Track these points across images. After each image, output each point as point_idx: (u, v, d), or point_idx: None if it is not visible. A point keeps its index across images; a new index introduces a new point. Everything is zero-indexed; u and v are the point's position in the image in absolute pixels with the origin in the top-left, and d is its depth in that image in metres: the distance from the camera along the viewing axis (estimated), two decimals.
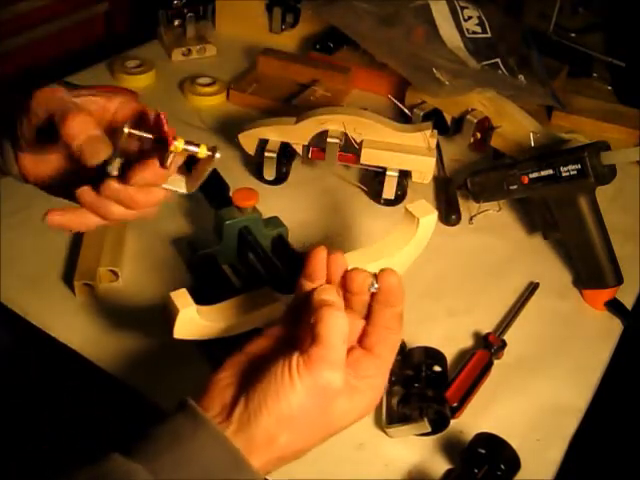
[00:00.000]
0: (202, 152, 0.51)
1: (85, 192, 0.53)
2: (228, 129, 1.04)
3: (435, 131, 0.93)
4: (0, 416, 0.73)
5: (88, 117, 0.52)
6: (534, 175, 0.85)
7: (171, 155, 0.51)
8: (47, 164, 0.58)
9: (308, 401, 0.47)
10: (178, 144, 0.50)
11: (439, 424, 0.66)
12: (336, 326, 0.48)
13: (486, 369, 0.73)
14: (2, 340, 0.76)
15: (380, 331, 0.53)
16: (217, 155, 0.52)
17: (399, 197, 0.95)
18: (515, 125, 1.01)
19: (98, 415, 0.72)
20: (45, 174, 0.58)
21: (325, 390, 0.48)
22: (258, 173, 0.97)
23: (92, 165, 0.51)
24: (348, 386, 0.49)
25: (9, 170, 0.58)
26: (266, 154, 0.94)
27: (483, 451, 0.63)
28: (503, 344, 0.76)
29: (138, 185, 0.53)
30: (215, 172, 0.88)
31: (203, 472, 0.45)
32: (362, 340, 0.53)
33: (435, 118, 1.07)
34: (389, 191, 0.94)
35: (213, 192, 0.84)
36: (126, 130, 0.51)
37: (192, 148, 0.51)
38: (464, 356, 0.75)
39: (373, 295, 0.52)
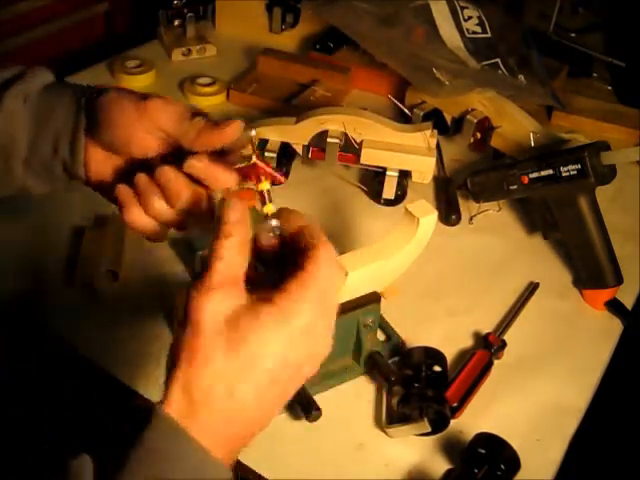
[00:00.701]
0: (267, 209, 0.52)
1: (141, 178, 0.55)
2: None
3: (435, 131, 0.93)
4: (0, 416, 0.73)
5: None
6: (534, 175, 0.85)
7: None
8: (116, 161, 0.58)
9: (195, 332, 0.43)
10: (263, 186, 0.52)
11: (439, 424, 0.66)
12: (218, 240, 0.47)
13: (486, 369, 0.73)
14: (2, 340, 0.76)
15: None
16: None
17: (399, 197, 0.95)
18: (515, 125, 1.01)
19: (98, 415, 0.72)
20: (108, 173, 0.59)
21: (213, 319, 0.43)
22: None
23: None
24: (256, 311, 0.44)
25: (76, 170, 0.58)
26: (266, 154, 0.94)
27: (483, 451, 0.63)
28: (503, 344, 0.76)
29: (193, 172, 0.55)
30: None
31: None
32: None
33: (435, 118, 1.07)
34: (389, 191, 0.94)
35: None
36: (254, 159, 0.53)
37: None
38: (464, 356, 0.75)
39: None
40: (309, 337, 0.46)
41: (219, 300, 0.44)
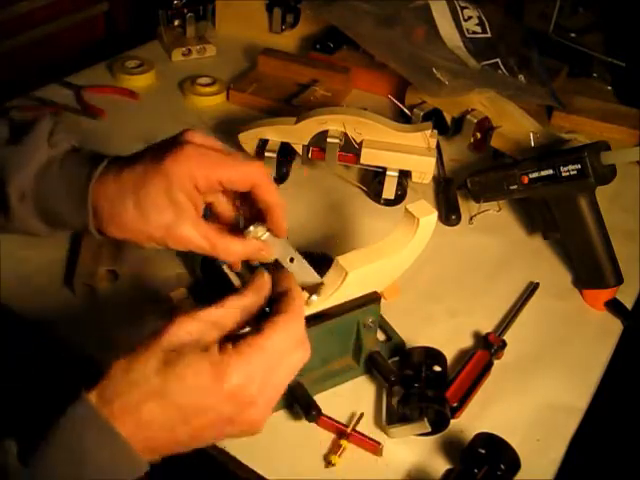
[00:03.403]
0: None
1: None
2: (228, 129, 1.04)
3: (435, 131, 0.93)
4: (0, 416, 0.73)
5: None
6: (534, 175, 0.85)
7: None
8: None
9: (158, 359, 0.46)
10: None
11: (439, 424, 0.66)
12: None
13: (486, 369, 0.73)
14: (2, 340, 0.76)
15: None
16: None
17: (399, 197, 0.95)
18: (515, 125, 1.01)
19: None
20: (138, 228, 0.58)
21: (179, 351, 0.46)
22: None
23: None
24: (211, 364, 0.46)
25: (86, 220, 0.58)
26: (266, 154, 0.94)
27: (483, 451, 0.63)
28: (503, 344, 0.76)
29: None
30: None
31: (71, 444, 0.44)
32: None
33: (435, 118, 1.07)
34: (389, 191, 0.94)
35: None
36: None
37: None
38: (464, 356, 0.75)
39: None
40: (235, 401, 0.47)
41: (190, 329, 0.47)
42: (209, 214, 0.61)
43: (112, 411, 0.45)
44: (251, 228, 0.56)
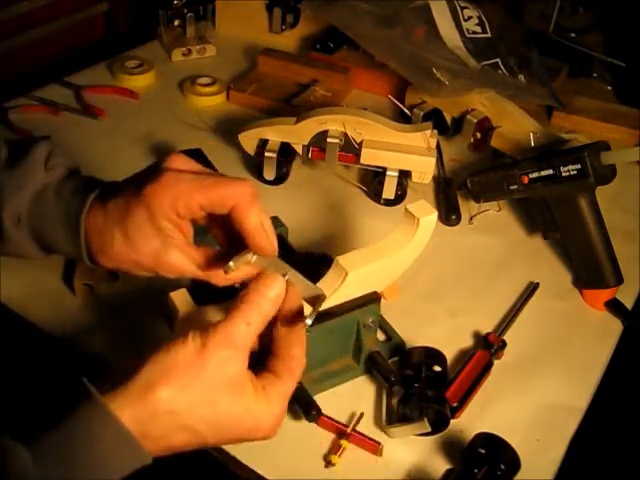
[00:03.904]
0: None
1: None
2: (228, 129, 1.04)
3: (435, 131, 0.93)
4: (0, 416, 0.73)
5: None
6: (534, 175, 0.85)
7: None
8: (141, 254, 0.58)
9: (195, 361, 0.47)
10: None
11: (439, 424, 0.66)
12: (253, 305, 0.50)
13: (486, 369, 0.73)
14: (2, 340, 0.76)
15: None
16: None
17: (399, 197, 0.95)
18: (515, 125, 1.01)
19: None
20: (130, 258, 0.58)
21: (218, 365, 0.47)
22: (258, 173, 0.97)
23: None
24: (246, 387, 0.49)
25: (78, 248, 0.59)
26: (266, 154, 0.94)
27: (483, 451, 0.63)
28: (503, 344, 0.76)
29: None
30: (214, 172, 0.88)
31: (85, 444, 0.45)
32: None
33: (435, 118, 1.07)
34: (389, 191, 0.94)
35: None
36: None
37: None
38: (464, 356, 0.75)
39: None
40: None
41: (229, 358, 0.48)
42: (202, 237, 0.61)
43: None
44: (230, 264, 0.54)
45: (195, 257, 0.57)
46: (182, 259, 0.57)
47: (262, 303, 0.50)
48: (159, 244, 0.56)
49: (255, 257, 0.55)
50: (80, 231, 0.57)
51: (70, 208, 0.57)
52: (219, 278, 0.57)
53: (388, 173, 0.93)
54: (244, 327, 0.49)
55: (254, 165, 0.98)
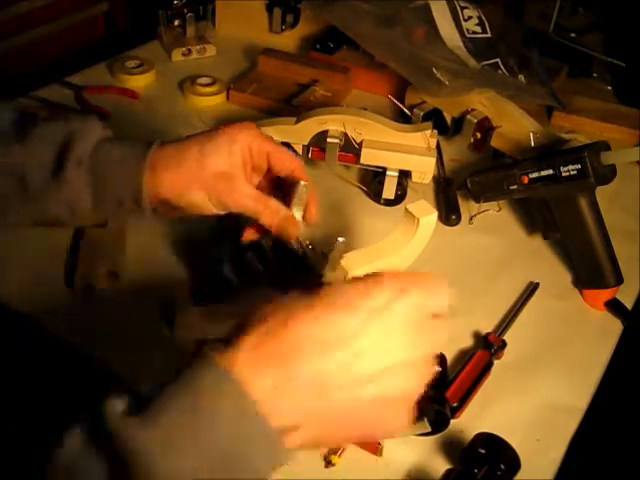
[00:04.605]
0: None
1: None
2: None
3: (435, 131, 0.93)
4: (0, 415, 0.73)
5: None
6: (534, 175, 0.85)
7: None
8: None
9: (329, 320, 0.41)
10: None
11: (439, 424, 0.66)
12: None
13: (486, 369, 0.73)
14: (2, 340, 0.76)
15: None
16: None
17: (399, 197, 0.95)
18: (515, 125, 1.01)
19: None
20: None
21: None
22: None
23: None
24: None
25: (142, 214, 0.62)
26: None
27: (483, 451, 0.63)
28: (503, 344, 0.76)
29: None
30: None
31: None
32: None
33: (435, 118, 1.07)
34: (389, 191, 0.94)
35: None
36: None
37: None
38: (464, 356, 0.75)
39: None
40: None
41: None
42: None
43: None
44: (302, 182, 0.64)
45: (254, 188, 0.64)
46: (244, 183, 0.63)
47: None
48: (227, 166, 0.62)
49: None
50: (145, 162, 0.60)
51: (134, 147, 0.62)
52: (271, 210, 0.64)
53: (388, 173, 0.93)
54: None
55: None
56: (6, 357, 0.74)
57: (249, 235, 0.67)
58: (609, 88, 1.25)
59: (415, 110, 1.08)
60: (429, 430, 0.64)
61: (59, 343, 0.73)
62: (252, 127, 0.65)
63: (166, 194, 0.61)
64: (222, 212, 0.64)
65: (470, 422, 0.69)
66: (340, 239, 0.64)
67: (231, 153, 0.62)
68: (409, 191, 0.96)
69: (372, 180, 0.97)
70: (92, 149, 0.61)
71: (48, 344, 0.74)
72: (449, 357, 0.73)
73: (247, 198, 0.62)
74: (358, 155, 0.92)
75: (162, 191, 0.60)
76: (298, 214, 0.66)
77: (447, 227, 0.93)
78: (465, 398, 0.69)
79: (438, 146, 0.98)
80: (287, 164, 0.65)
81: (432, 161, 0.92)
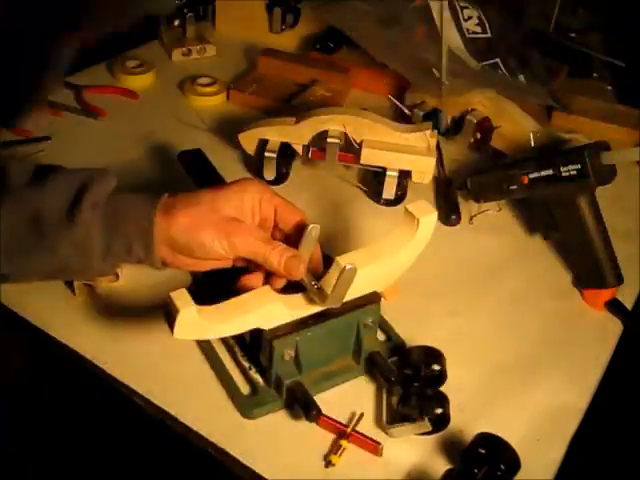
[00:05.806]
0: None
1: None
2: (228, 129, 1.04)
3: (435, 131, 0.93)
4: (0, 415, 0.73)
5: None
6: (534, 175, 0.85)
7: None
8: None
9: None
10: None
11: (439, 423, 0.66)
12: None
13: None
14: (2, 340, 0.76)
15: None
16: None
17: (399, 197, 0.95)
18: (515, 125, 1.01)
19: (97, 414, 0.72)
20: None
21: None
22: (258, 173, 0.97)
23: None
24: None
25: (151, 264, 0.65)
26: (266, 154, 0.94)
27: (483, 451, 0.63)
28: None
29: None
30: (215, 173, 0.88)
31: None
32: None
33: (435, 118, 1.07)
34: (389, 191, 0.94)
35: None
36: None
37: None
38: (464, 356, 0.74)
39: None
40: None
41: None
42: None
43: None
44: (312, 225, 0.64)
45: (262, 232, 0.66)
46: (254, 228, 0.66)
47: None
48: (239, 212, 0.65)
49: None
50: (158, 203, 0.62)
51: (145, 198, 0.63)
52: (279, 252, 0.64)
53: (388, 173, 0.93)
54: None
55: (254, 165, 0.98)
56: (5, 357, 0.74)
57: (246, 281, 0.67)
58: (609, 88, 1.25)
59: (415, 110, 1.08)
60: (430, 429, 0.65)
61: (59, 343, 0.73)
62: (261, 183, 0.68)
63: (176, 233, 0.61)
64: (230, 256, 0.64)
65: (470, 422, 0.69)
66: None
67: (242, 201, 0.65)
68: (409, 191, 0.96)
69: (372, 180, 0.97)
70: (108, 195, 0.62)
71: (48, 345, 0.74)
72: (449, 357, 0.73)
73: (256, 239, 0.63)
74: (358, 155, 0.92)
75: (172, 230, 0.61)
76: (306, 256, 0.65)
77: (447, 227, 0.94)
78: None
79: (438, 146, 0.98)
80: (294, 215, 0.67)
81: (432, 161, 0.92)
